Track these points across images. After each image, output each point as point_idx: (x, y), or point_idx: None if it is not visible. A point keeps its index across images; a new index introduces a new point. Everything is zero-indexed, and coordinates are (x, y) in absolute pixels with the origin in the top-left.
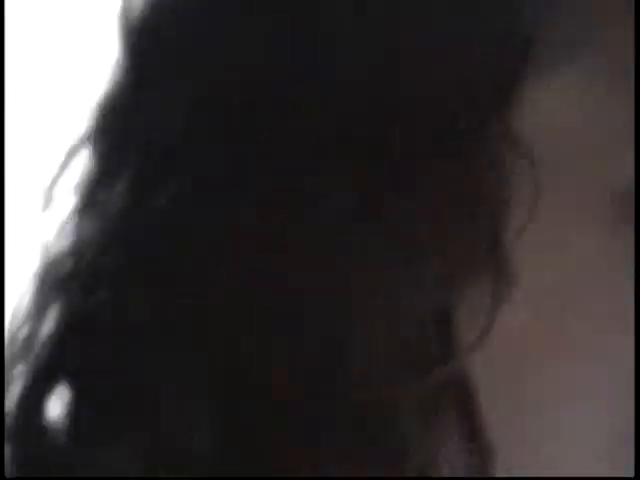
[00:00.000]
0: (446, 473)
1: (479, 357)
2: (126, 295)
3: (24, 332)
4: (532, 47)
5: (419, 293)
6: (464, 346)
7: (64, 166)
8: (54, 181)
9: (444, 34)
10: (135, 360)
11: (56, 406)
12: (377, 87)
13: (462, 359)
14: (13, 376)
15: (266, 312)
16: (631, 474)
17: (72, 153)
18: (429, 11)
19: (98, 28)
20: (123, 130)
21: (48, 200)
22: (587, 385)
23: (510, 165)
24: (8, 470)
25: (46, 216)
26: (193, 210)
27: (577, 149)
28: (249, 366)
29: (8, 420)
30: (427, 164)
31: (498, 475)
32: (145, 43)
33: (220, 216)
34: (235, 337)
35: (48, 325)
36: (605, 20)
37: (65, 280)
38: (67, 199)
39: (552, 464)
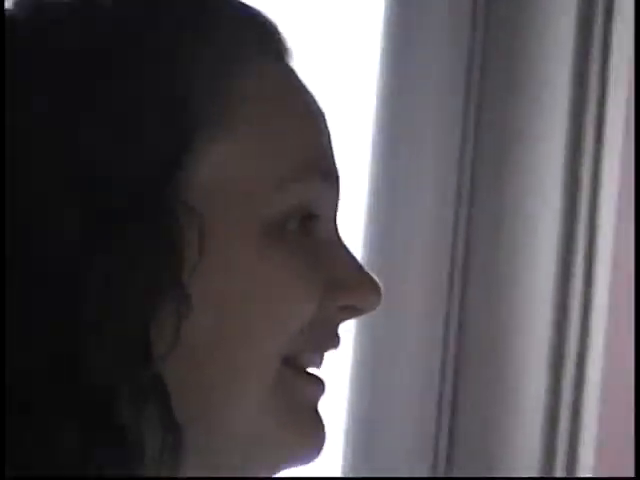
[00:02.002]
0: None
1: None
2: None
3: None
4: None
5: (128, 310)
6: (159, 354)
7: None
8: None
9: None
10: None
11: None
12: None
13: (158, 364)
14: None
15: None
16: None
17: None
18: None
19: None
20: None
21: None
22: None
23: (181, 219)
24: None
25: None
26: None
27: (238, 189)
28: None
29: None
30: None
31: None
32: None
33: None
34: None
35: None
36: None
37: None
38: None
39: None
